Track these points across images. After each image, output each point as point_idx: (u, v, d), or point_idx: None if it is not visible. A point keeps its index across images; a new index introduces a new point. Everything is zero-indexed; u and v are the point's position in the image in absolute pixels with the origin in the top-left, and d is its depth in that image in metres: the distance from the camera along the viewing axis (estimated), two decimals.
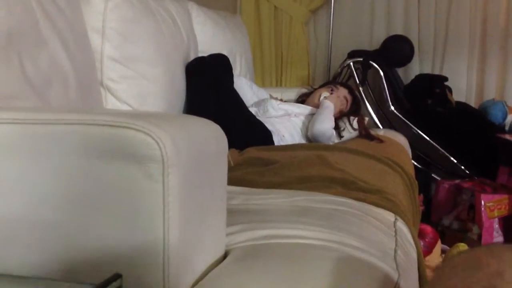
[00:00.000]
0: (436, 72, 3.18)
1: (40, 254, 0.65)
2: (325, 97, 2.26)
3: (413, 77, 3.09)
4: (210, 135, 0.75)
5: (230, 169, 1.45)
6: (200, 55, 2.14)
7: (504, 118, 2.81)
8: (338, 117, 2.29)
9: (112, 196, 0.62)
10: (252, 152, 1.69)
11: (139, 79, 1.64)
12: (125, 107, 1.60)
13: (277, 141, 1.98)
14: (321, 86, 2.45)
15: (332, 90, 2.31)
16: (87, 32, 1.46)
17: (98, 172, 0.62)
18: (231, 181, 1.33)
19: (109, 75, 1.56)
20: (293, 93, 2.64)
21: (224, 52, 2.20)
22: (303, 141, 2.10)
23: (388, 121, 2.94)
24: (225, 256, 0.81)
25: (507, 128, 2.78)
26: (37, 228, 0.65)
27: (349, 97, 2.34)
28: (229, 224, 0.89)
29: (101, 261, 0.63)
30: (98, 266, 0.63)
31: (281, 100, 2.46)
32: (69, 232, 0.64)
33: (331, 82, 2.67)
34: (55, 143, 0.63)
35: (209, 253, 0.75)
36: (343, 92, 2.33)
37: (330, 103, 2.20)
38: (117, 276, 0.56)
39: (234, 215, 0.98)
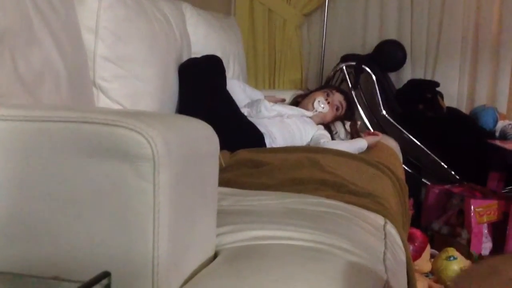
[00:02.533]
0: (428, 77, 3.20)
1: (28, 251, 0.65)
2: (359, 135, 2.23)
3: (405, 82, 3.11)
4: (202, 135, 0.75)
5: (222, 170, 1.45)
6: (193, 56, 2.14)
7: (495, 124, 2.83)
8: (331, 121, 2.30)
9: (102, 194, 0.62)
10: (244, 154, 1.69)
11: (131, 79, 1.64)
12: (117, 107, 1.59)
13: (268, 143, 1.98)
14: (317, 89, 2.45)
15: (327, 95, 2.32)
16: (80, 31, 1.46)
17: (89, 170, 0.62)
18: (222, 183, 1.34)
19: (102, 75, 1.55)
20: (286, 96, 2.65)
21: (218, 54, 2.20)
22: (295, 143, 2.11)
23: (380, 125, 2.95)
24: (215, 256, 0.81)
25: (497, 134, 2.80)
26: (26, 225, 0.65)
27: (344, 103, 2.34)
28: (219, 225, 0.89)
29: (90, 259, 0.63)
30: (87, 264, 0.63)
31: (283, 100, 2.47)
32: (59, 230, 0.64)
33: (327, 86, 2.67)
34: (45, 140, 0.63)
35: (199, 253, 0.75)
36: (338, 97, 2.33)
37: (366, 144, 2.11)
38: (106, 274, 0.56)
39: (224, 216, 0.98)
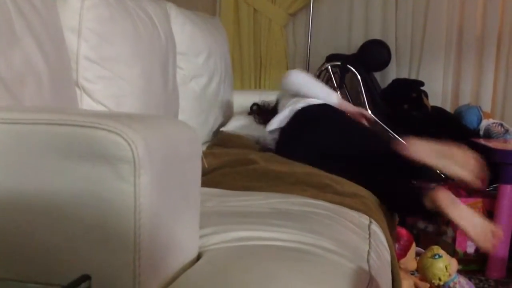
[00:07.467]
0: (413, 76, 3.22)
1: (6, 255, 0.64)
2: None
3: (390, 81, 3.13)
4: (183, 137, 0.74)
5: (208, 171, 1.44)
6: (178, 56, 2.13)
7: (479, 123, 2.85)
8: None
9: (82, 198, 0.61)
10: (230, 153, 1.69)
11: (115, 80, 1.63)
12: (100, 108, 1.58)
13: None
14: None
15: None
16: (62, 31, 1.44)
17: (68, 173, 0.61)
18: (208, 183, 1.33)
19: (85, 75, 1.54)
20: (272, 96, 2.64)
21: (203, 54, 2.19)
22: None
23: None
24: (198, 258, 0.81)
25: (481, 132, 2.82)
26: (3, 228, 0.64)
27: None
28: (203, 226, 0.89)
29: (70, 262, 0.62)
30: (67, 268, 0.62)
31: None
32: (37, 233, 0.63)
33: None
34: (23, 142, 0.62)
35: (182, 255, 0.75)
36: None
37: (336, 100, 2.13)
38: (86, 278, 0.55)
39: (209, 217, 0.98)
